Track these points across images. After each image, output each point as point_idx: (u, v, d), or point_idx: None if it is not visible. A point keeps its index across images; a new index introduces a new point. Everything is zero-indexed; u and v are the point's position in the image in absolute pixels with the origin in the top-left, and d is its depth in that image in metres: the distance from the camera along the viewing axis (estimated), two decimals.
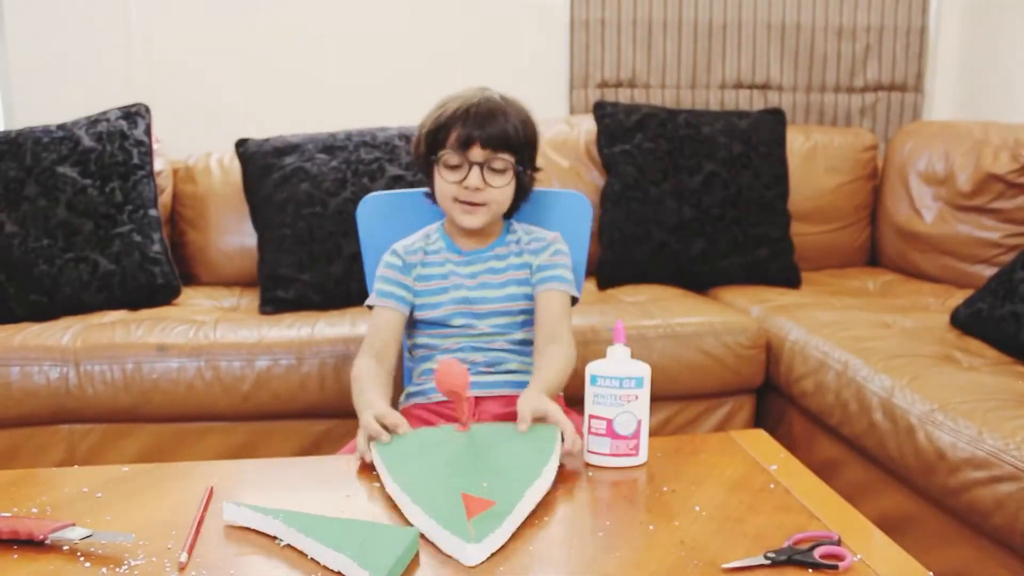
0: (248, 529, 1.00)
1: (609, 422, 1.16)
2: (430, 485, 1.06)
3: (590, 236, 1.68)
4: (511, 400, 1.47)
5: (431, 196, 1.56)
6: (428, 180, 1.55)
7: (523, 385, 1.48)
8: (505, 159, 1.47)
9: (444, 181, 1.48)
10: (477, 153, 1.46)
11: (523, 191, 1.55)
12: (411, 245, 1.56)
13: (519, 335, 1.53)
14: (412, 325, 1.57)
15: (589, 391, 1.18)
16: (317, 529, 0.95)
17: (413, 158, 1.57)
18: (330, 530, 0.95)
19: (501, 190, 1.48)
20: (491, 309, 1.51)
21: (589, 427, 1.18)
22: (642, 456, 1.19)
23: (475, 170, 1.45)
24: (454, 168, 1.47)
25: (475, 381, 1.48)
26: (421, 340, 1.55)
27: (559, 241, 1.57)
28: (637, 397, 1.17)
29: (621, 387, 1.17)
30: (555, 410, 1.22)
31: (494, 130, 1.45)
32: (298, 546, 0.95)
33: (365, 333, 1.53)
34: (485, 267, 1.54)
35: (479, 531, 0.95)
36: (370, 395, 1.35)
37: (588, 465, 1.18)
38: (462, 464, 1.13)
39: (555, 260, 1.54)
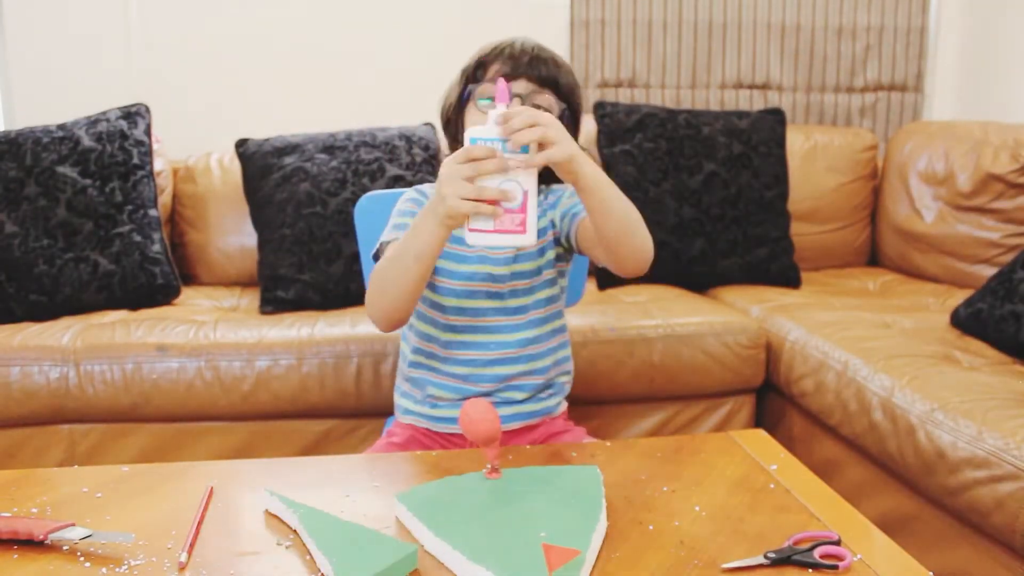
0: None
1: None
2: (482, 537, 0.92)
3: None
4: (520, 432, 1.37)
5: None
6: (453, 145, 1.32)
7: (532, 415, 1.37)
8: (550, 99, 1.26)
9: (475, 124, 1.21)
10: (521, 85, 1.25)
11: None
12: None
13: (534, 331, 1.34)
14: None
15: None
16: (318, 528, 0.95)
17: (442, 120, 1.34)
18: (329, 531, 0.95)
19: None
20: (515, 287, 1.33)
21: None
22: (530, 236, 1.05)
23: (515, 102, 1.23)
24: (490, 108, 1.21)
25: None
26: (414, 343, 1.38)
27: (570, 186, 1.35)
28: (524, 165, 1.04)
29: (504, 151, 1.04)
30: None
31: (543, 66, 1.25)
32: (305, 542, 0.95)
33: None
34: None
35: None
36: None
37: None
38: (507, 513, 0.98)
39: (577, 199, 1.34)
